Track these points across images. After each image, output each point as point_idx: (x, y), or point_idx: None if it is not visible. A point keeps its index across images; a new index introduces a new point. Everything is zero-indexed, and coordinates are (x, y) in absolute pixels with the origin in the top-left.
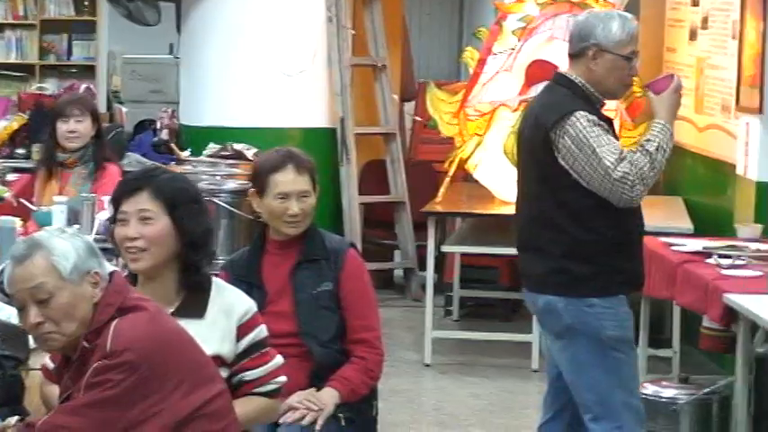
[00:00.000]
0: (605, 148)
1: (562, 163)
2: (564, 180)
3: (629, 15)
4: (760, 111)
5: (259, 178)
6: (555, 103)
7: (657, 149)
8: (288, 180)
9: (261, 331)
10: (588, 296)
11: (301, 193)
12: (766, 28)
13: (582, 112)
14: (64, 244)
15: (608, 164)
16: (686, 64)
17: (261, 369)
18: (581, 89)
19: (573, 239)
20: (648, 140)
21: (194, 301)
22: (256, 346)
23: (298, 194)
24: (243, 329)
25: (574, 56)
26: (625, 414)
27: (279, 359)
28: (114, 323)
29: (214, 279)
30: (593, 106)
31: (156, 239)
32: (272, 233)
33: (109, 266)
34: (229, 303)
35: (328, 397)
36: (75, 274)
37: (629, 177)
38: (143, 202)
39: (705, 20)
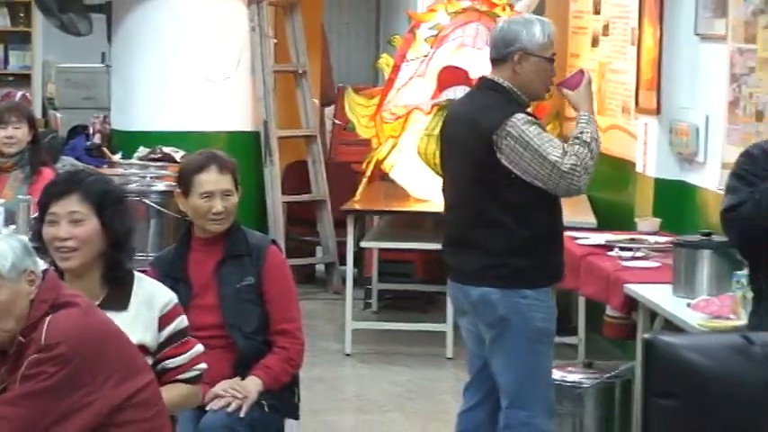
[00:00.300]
0: (548, 144)
1: (505, 163)
2: (504, 180)
3: (547, 20)
4: (657, 112)
5: (184, 179)
6: (492, 106)
7: (591, 139)
8: (211, 180)
9: (182, 321)
10: (523, 288)
11: (224, 191)
12: (662, 34)
13: (521, 114)
14: (1, 245)
15: (555, 159)
16: (589, 69)
17: (182, 357)
18: (509, 92)
19: (513, 235)
20: (582, 132)
21: (118, 295)
22: (178, 335)
23: (221, 193)
24: (164, 320)
25: (499, 60)
26: (540, 404)
27: (199, 347)
28: (48, 318)
29: (136, 273)
30: (522, 108)
31: (86, 239)
32: (197, 231)
33: (42, 264)
34: (151, 295)
35: (252, 385)
36: (14, 272)
37: (576, 169)
38: (73, 204)
39: (606, 27)
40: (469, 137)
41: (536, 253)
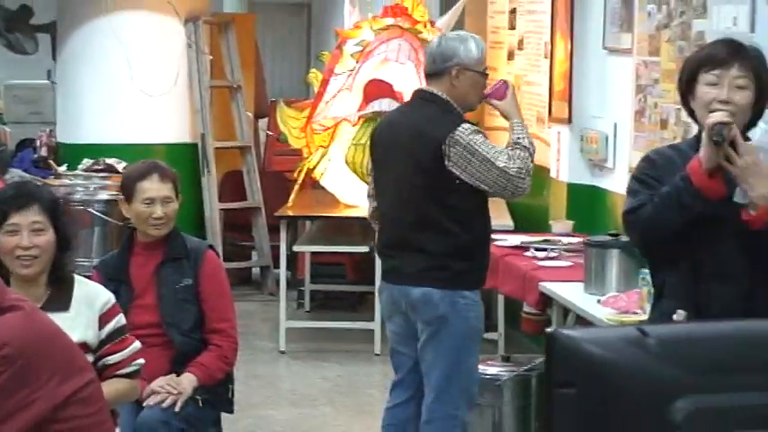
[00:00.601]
0: (494, 151)
1: (453, 170)
2: (451, 185)
3: (478, 36)
4: (569, 121)
5: (127, 186)
6: (435, 117)
7: (530, 144)
8: (153, 187)
9: (120, 319)
10: (462, 289)
11: (165, 198)
12: (573, 48)
13: (466, 124)
14: None
15: (502, 164)
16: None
17: (122, 353)
18: (447, 104)
19: (455, 239)
20: (519, 138)
21: (59, 296)
22: (117, 332)
23: (162, 200)
24: (104, 318)
25: (436, 74)
26: (463, 399)
27: (137, 344)
28: None
29: (76, 276)
30: (462, 119)
31: (47, 247)
32: (139, 236)
33: None
34: (90, 296)
35: (187, 381)
36: None
37: (522, 171)
38: (34, 215)
39: (521, 42)
40: (416, 145)
41: (474, 256)
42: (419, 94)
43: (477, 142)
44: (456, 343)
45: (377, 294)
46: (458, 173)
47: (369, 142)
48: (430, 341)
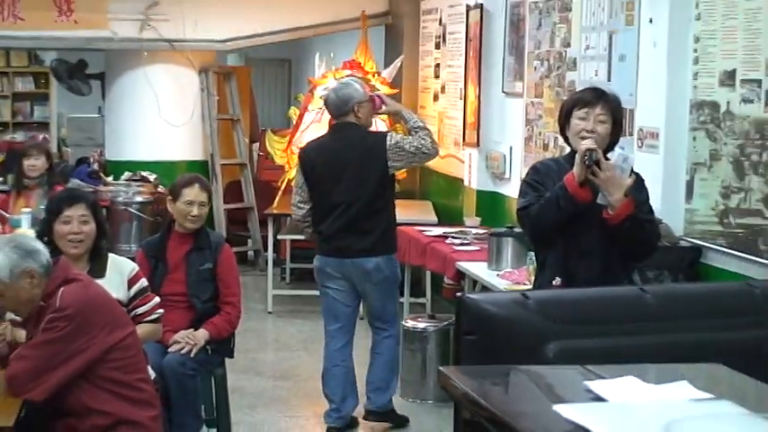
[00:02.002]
0: (407, 141)
1: (391, 165)
2: (388, 180)
3: (355, 77)
4: (477, 145)
5: (175, 190)
6: (364, 135)
7: (421, 121)
8: (194, 193)
9: (143, 282)
10: (392, 253)
11: (201, 202)
12: (480, 92)
13: (390, 132)
14: (1, 259)
15: (415, 145)
16: (432, 116)
17: (145, 306)
18: (360, 128)
19: (389, 219)
20: (411, 121)
21: (98, 268)
22: (141, 291)
23: (199, 203)
24: (131, 282)
25: (342, 116)
26: (395, 321)
27: (157, 299)
28: (61, 290)
29: (109, 253)
30: None
31: (89, 234)
32: (177, 227)
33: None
34: (120, 266)
35: (201, 335)
36: (13, 276)
37: (430, 144)
38: (81, 210)
39: (443, 87)
40: (370, 156)
41: (395, 227)
42: (337, 126)
43: (400, 140)
44: (392, 288)
45: (328, 266)
46: (396, 166)
47: (299, 164)
48: (377, 292)
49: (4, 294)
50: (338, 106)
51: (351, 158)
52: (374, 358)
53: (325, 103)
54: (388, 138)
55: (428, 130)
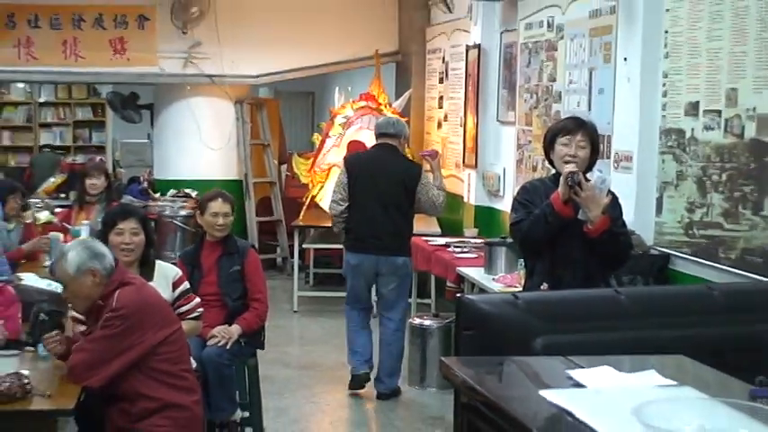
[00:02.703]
0: (434, 189)
1: (419, 191)
2: (411, 200)
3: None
4: (475, 166)
5: (202, 204)
6: (399, 158)
7: (444, 186)
8: (218, 205)
9: (186, 285)
10: (409, 255)
11: (225, 213)
12: (478, 120)
13: (425, 172)
14: (71, 254)
15: (436, 197)
16: (436, 141)
17: (188, 305)
18: (399, 151)
19: (409, 227)
20: (440, 185)
21: (146, 273)
22: (184, 293)
23: (223, 214)
24: (175, 284)
25: (392, 136)
26: (404, 315)
27: (197, 299)
28: (117, 291)
29: (156, 261)
30: None
31: (139, 243)
32: (207, 237)
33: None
34: (166, 271)
35: (235, 330)
36: (78, 272)
37: (442, 203)
38: (132, 223)
39: (446, 116)
40: (401, 176)
41: (409, 238)
42: (383, 143)
43: (429, 184)
44: (408, 283)
45: (358, 262)
46: (418, 197)
47: (345, 167)
48: (397, 285)
49: (67, 286)
50: (392, 126)
51: (390, 173)
52: (384, 348)
53: (379, 128)
54: (423, 176)
55: (446, 194)
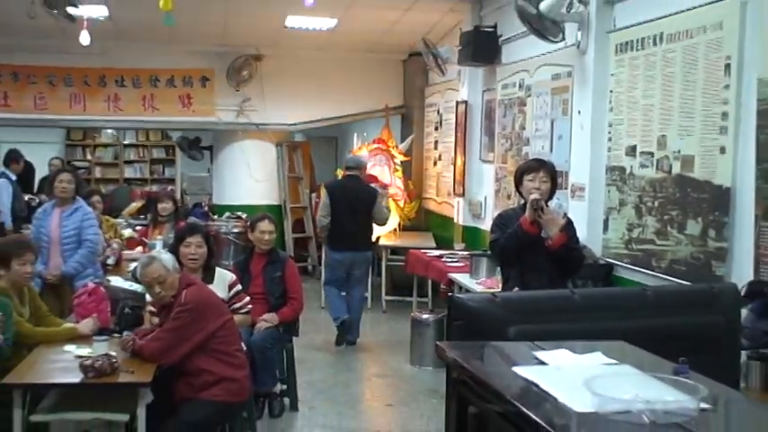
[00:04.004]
0: (382, 206)
1: (374, 207)
2: (372, 212)
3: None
4: (463, 195)
5: (252, 224)
6: (367, 185)
7: (387, 207)
8: (265, 225)
9: (238, 287)
10: (372, 250)
11: (270, 231)
12: (465, 159)
13: (380, 194)
14: (167, 256)
15: (383, 212)
16: (433, 175)
17: (241, 303)
18: (362, 180)
19: (372, 231)
20: (384, 204)
21: (208, 278)
22: (237, 293)
23: (269, 232)
24: (230, 286)
25: (355, 168)
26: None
27: (248, 298)
28: (185, 291)
29: (216, 268)
30: None
31: (203, 255)
32: (256, 250)
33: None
34: (223, 276)
35: (277, 318)
36: (173, 269)
37: (386, 216)
38: (198, 238)
39: (440, 156)
40: (368, 198)
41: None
42: (354, 174)
43: (380, 203)
44: (368, 268)
45: (342, 258)
46: (374, 211)
47: (327, 192)
48: (362, 270)
49: (165, 281)
50: (356, 164)
51: (358, 197)
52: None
53: (348, 163)
54: (378, 198)
55: (389, 211)
